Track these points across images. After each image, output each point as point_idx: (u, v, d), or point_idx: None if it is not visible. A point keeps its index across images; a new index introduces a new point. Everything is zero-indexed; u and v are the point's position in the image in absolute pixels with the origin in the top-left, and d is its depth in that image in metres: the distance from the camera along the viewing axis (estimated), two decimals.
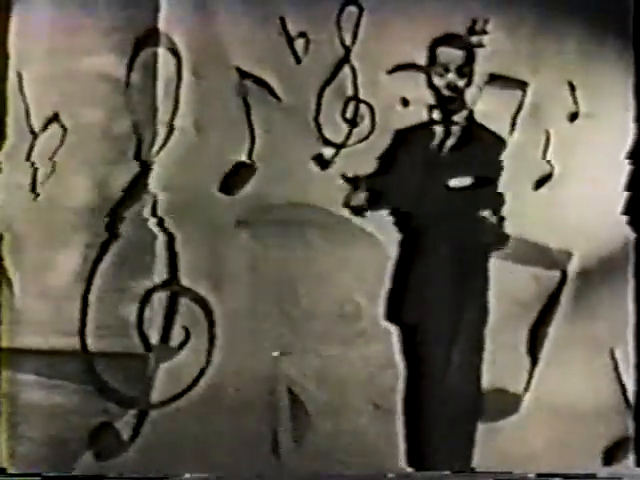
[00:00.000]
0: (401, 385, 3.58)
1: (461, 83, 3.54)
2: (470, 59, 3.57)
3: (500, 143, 3.57)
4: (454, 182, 3.57)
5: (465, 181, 3.55)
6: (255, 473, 3.54)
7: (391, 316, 3.57)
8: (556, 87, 3.62)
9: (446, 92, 3.56)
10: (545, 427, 3.56)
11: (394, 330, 3.58)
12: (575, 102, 3.63)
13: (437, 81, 3.57)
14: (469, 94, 3.59)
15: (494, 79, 3.59)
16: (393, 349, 3.59)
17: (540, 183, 3.61)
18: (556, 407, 3.56)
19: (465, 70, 3.52)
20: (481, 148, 3.58)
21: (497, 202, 3.57)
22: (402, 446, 3.57)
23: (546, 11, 3.61)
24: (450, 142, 3.58)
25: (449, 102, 3.56)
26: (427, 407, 3.58)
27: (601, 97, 3.63)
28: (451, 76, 3.53)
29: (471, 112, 3.59)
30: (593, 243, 3.62)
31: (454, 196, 3.59)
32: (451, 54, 3.57)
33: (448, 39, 3.57)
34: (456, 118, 3.59)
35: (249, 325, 3.58)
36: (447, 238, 3.59)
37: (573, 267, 3.62)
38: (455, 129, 3.59)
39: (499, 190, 3.58)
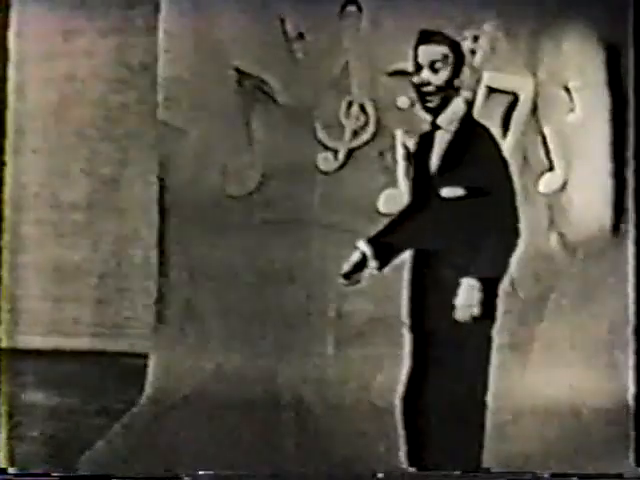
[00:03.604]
0: (402, 386, 3.58)
1: (435, 79, 3.52)
2: (447, 54, 3.55)
3: (497, 148, 3.55)
4: (446, 192, 3.55)
5: (457, 191, 3.53)
6: (255, 473, 3.54)
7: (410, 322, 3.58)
8: (555, 87, 3.61)
9: (423, 89, 3.54)
10: (545, 427, 3.55)
11: (407, 334, 3.58)
12: (574, 102, 3.62)
13: (414, 79, 3.55)
14: (462, 96, 3.58)
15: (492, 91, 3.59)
16: (392, 349, 3.59)
17: (540, 183, 3.61)
18: (556, 407, 3.55)
19: (438, 66, 3.50)
20: (477, 154, 3.56)
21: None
22: (402, 447, 3.57)
23: (545, 11, 3.60)
24: (441, 148, 3.57)
25: (427, 99, 3.54)
26: (432, 409, 3.58)
27: (600, 97, 3.62)
28: (425, 73, 3.51)
29: (467, 115, 3.58)
30: (594, 243, 3.61)
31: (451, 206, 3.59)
32: (428, 51, 3.56)
33: (427, 36, 3.55)
34: (445, 122, 3.56)
35: (248, 325, 3.59)
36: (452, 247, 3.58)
37: (575, 267, 3.62)
38: (445, 135, 3.57)
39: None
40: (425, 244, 3.54)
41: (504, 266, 3.53)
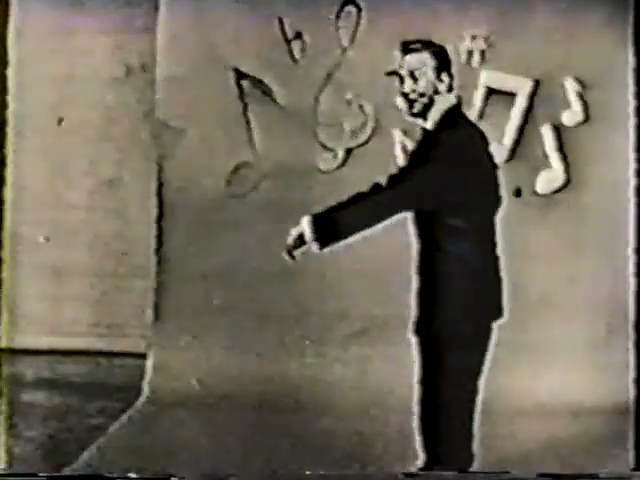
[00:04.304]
0: (399, 387, 3.57)
1: (415, 87, 3.52)
2: (426, 61, 3.55)
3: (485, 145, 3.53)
4: None
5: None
6: (254, 473, 3.53)
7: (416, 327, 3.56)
8: (553, 87, 3.61)
9: (407, 97, 3.54)
10: (544, 427, 3.54)
11: (415, 340, 3.57)
12: (576, 102, 3.62)
13: (402, 88, 3.55)
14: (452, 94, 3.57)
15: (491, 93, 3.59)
16: (394, 349, 3.58)
17: (537, 183, 3.61)
18: (555, 407, 3.54)
19: (416, 74, 3.51)
20: (465, 152, 3.55)
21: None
22: (400, 446, 3.55)
23: (545, 10, 3.61)
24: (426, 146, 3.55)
25: (411, 106, 3.54)
26: (435, 408, 3.56)
27: (602, 96, 3.62)
28: (406, 82, 3.52)
29: (455, 112, 3.56)
30: (593, 243, 3.61)
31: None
32: (408, 61, 3.56)
33: (407, 45, 3.55)
34: (430, 124, 3.55)
35: (247, 324, 3.58)
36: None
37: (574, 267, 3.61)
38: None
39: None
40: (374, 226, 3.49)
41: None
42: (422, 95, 3.42)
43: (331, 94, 3.62)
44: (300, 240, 3.30)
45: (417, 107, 3.40)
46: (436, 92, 3.39)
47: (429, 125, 3.35)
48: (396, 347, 3.57)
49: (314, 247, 3.27)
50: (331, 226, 3.28)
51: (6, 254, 3.62)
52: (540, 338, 3.59)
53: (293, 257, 3.32)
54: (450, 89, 3.39)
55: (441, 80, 3.38)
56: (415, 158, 3.34)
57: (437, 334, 3.51)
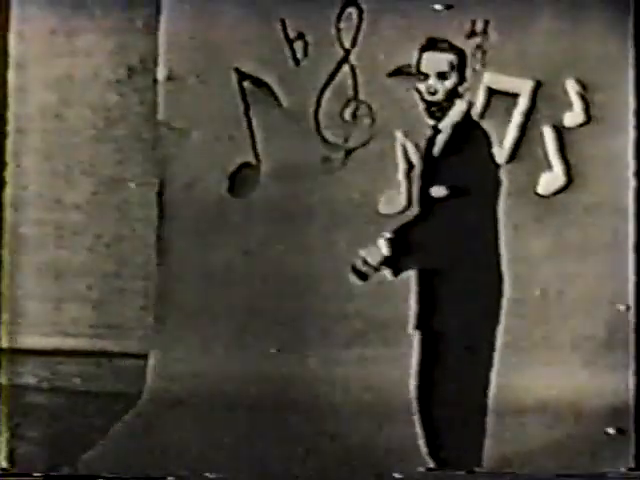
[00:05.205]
0: (412, 387, 3.58)
1: (442, 87, 3.52)
2: (453, 62, 3.55)
3: (489, 149, 3.54)
4: (434, 191, 3.55)
5: (442, 191, 3.52)
6: (255, 474, 3.54)
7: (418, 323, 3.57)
8: (554, 88, 3.62)
9: (428, 97, 3.54)
10: (545, 427, 3.55)
11: (417, 336, 3.57)
12: (577, 103, 3.62)
13: (420, 86, 3.55)
14: (464, 99, 3.57)
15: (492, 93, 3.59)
16: (395, 350, 3.59)
17: (539, 184, 3.61)
18: (555, 407, 3.55)
19: (447, 74, 3.50)
20: (470, 154, 3.55)
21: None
22: (404, 447, 3.57)
23: (546, 11, 3.61)
24: (437, 148, 3.56)
25: (433, 106, 3.55)
26: (438, 408, 3.57)
27: (603, 97, 3.63)
28: (431, 80, 3.51)
29: (466, 116, 3.57)
30: (594, 244, 3.62)
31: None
32: (435, 59, 3.56)
33: (433, 43, 3.55)
34: (445, 127, 3.56)
35: (248, 325, 3.59)
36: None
37: (575, 267, 3.62)
38: (443, 136, 3.56)
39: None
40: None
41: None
42: (447, 97, 3.42)
43: (333, 94, 3.61)
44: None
45: (438, 110, 3.40)
46: (456, 95, 3.40)
47: (444, 128, 3.35)
48: (399, 347, 3.59)
49: (388, 274, 3.30)
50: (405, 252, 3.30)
51: (6, 254, 3.61)
52: (540, 338, 3.60)
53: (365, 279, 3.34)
54: (464, 93, 3.40)
55: (461, 83, 3.38)
56: (437, 164, 3.36)
57: (439, 330, 3.53)
